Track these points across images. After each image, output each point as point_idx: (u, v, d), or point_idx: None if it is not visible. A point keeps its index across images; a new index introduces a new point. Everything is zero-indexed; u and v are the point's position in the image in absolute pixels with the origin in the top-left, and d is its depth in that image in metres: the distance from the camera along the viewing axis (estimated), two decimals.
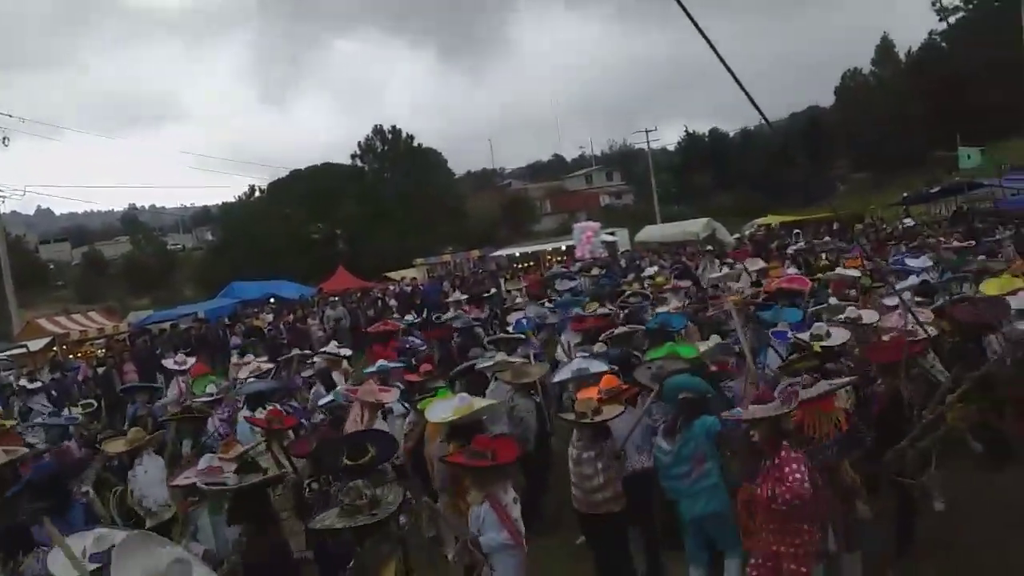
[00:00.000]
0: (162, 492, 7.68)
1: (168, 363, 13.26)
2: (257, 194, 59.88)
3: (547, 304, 15.09)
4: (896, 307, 8.40)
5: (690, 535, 5.90)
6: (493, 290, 20.76)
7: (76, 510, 6.65)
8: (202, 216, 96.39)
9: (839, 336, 7.44)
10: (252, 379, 10.78)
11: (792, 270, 14.28)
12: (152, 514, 7.58)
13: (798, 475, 4.71)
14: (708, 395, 6.08)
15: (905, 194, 31.53)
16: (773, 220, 34.26)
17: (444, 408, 6.81)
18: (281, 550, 5.62)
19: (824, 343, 7.21)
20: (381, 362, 9.85)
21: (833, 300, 9.98)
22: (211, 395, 9.83)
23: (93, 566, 4.30)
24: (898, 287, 9.99)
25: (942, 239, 17.70)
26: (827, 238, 22.24)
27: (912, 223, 23.53)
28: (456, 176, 66.14)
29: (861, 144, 54.03)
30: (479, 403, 6.84)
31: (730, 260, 17.87)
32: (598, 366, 7.61)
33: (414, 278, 32.32)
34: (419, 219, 51.84)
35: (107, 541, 4.42)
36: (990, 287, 9.17)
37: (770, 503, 4.85)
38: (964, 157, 24.48)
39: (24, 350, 23.99)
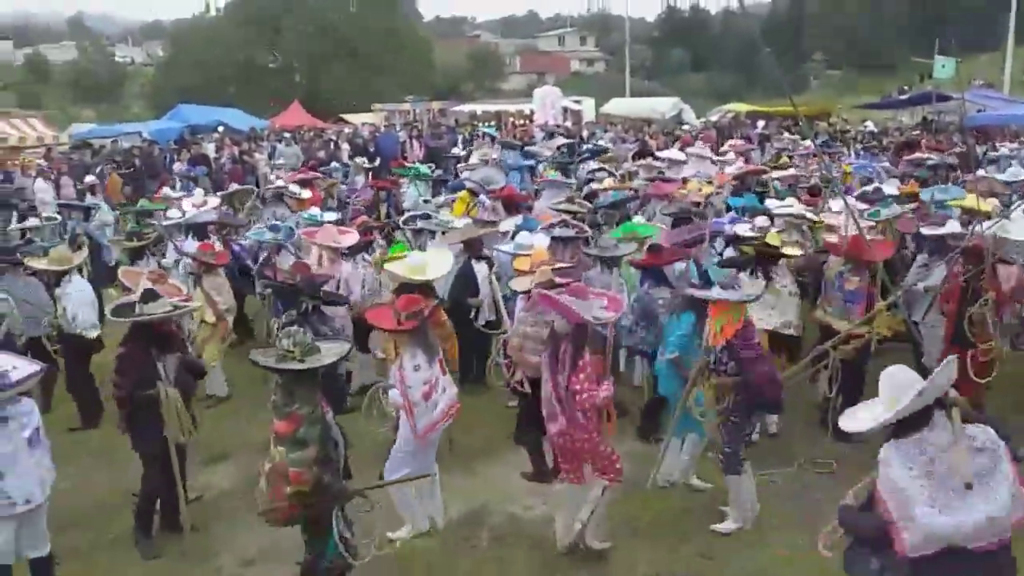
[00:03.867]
0: (91, 315, 7.56)
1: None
2: (213, 12, 56.55)
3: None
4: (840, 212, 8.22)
5: None
6: (455, 150, 19.90)
7: None
8: (153, 30, 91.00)
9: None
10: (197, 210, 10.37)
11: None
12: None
13: None
14: None
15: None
16: (742, 108, 33.83)
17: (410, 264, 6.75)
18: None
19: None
20: (313, 210, 9.83)
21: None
22: (172, 220, 9.76)
23: None
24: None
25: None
26: (786, 133, 22.07)
27: (874, 128, 23.43)
28: (424, 20, 63.35)
29: (840, 41, 53.04)
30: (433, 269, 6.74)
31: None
32: (542, 240, 7.53)
33: (372, 124, 31.33)
34: (380, 61, 49.61)
35: None
36: None
37: None
38: (939, 67, 24.04)
39: None
